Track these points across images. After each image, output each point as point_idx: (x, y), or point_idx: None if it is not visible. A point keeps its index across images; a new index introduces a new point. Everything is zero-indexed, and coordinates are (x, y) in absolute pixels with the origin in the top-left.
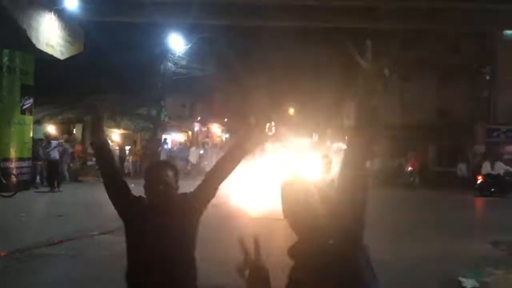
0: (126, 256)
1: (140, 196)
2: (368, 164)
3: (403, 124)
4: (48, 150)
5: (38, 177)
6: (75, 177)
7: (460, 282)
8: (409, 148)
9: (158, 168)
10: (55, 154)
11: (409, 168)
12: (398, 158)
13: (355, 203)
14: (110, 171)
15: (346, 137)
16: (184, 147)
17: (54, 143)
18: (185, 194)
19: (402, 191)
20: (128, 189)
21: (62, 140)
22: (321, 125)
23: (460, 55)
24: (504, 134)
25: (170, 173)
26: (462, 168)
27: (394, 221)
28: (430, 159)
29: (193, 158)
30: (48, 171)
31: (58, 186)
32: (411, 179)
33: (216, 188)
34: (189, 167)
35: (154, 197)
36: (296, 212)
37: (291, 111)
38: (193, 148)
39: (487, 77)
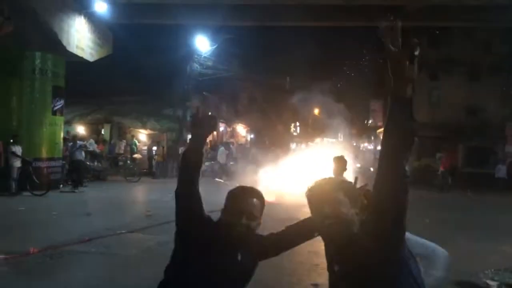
0: (173, 263)
1: (209, 217)
2: (406, 163)
3: (431, 123)
4: (73, 150)
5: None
6: (104, 177)
7: (487, 284)
8: (437, 148)
9: (245, 194)
10: (79, 154)
11: (441, 169)
12: (426, 158)
13: (395, 204)
14: (192, 185)
15: (372, 137)
16: (217, 148)
17: (78, 143)
18: (260, 236)
19: (437, 193)
20: (202, 208)
21: (85, 142)
22: (346, 124)
23: (490, 53)
24: None
25: (257, 203)
26: (501, 169)
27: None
28: (459, 159)
29: (221, 159)
30: (71, 171)
31: (81, 185)
32: (444, 180)
33: (277, 254)
34: (216, 168)
35: (231, 227)
36: (324, 213)
37: (316, 111)
38: (222, 148)
39: None
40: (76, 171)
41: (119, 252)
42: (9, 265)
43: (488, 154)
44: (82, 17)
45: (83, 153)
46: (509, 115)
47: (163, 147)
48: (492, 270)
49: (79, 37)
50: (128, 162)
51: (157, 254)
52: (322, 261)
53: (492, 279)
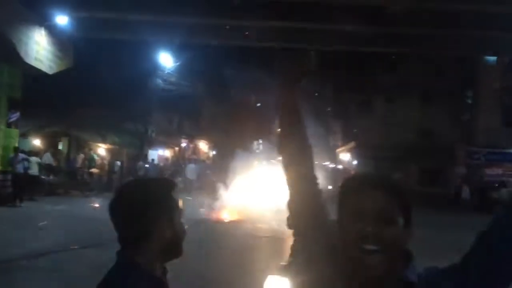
0: None
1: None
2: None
3: (387, 144)
4: (15, 162)
5: None
6: (60, 191)
7: None
8: (392, 168)
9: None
10: (20, 167)
11: None
12: None
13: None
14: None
15: (333, 156)
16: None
17: (21, 156)
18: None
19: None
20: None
21: (32, 157)
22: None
23: (443, 78)
24: (485, 156)
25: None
26: (466, 190)
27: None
28: (412, 179)
29: (190, 175)
30: (13, 184)
31: (21, 200)
32: None
33: None
34: (184, 184)
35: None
36: None
37: (279, 130)
38: (191, 165)
39: (469, 101)
40: (18, 185)
41: (71, 268)
42: None
43: (438, 174)
44: (43, 30)
45: (25, 165)
46: (458, 138)
47: (104, 162)
48: None
49: (38, 49)
50: (85, 176)
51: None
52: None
53: None
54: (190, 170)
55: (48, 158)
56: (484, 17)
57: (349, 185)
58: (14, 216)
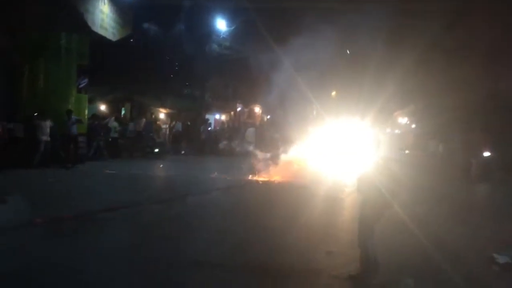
0: None
1: None
2: None
3: (450, 106)
4: (69, 124)
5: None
6: (129, 154)
7: (493, 257)
8: (456, 131)
9: None
10: (74, 130)
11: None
12: (444, 141)
13: None
14: None
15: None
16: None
17: (73, 118)
18: None
19: None
20: None
21: (107, 120)
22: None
23: (510, 32)
24: None
25: None
26: None
27: None
28: (477, 141)
29: (251, 139)
30: (66, 146)
31: (69, 162)
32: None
33: None
34: (239, 148)
35: None
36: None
37: (333, 93)
38: (252, 129)
39: None
40: (70, 147)
41: (143, 219)
42: (48, 227)
43: (506, 136)
44: None
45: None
46: None
47: (164, 126)
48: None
49: (103, 17)
50: (148, 139)
51: (178, 222)
52: (334, 231)
53: (499, 253)
54: (250, 133)
55: (112, 123)
56: None
57: None
58: (91, 174)
